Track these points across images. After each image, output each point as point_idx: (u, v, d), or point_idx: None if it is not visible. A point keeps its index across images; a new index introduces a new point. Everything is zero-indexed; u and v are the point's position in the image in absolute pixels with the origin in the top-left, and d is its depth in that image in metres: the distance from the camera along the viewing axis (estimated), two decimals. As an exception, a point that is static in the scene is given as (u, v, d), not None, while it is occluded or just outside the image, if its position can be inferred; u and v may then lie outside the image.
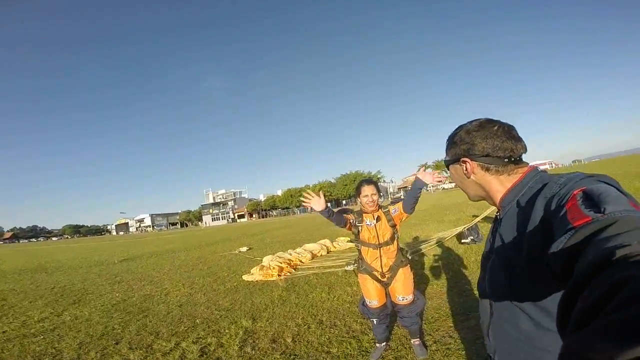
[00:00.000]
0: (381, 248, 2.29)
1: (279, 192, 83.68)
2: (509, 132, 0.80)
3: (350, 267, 6.49)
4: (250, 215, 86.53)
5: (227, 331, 3.56)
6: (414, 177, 2.25)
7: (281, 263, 6.29)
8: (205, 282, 6.39)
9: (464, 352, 2.38)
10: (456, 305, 3.29)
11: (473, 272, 4.34)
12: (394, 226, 2.31)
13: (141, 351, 3.27)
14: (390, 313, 2.50)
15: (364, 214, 2.35)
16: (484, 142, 0.79)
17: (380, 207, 2.37)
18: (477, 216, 7.04)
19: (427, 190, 72.98)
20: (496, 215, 0.85)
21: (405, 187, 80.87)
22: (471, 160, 0.81)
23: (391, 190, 77.82)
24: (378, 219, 2.32)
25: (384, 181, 75.77)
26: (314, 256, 7.37)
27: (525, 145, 0.81)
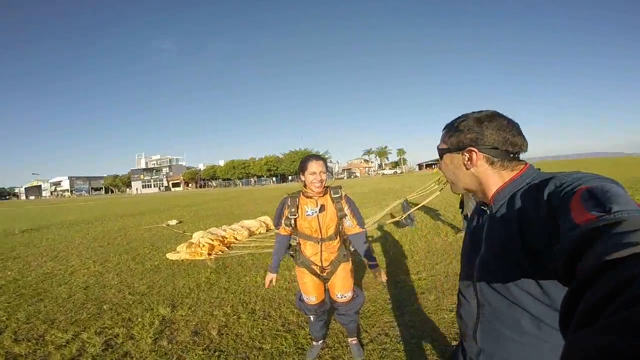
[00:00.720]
0: (323, 243, 2.00)
1: (221, 163, 79.66)
2: (518, 128, 0.78)
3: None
4: (187, 184, 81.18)
5: (140, 320, 3.12)
6: (369, 266, 2.17)
7: (213, 240, 5.82)
8: (121, 259, 5.66)
9: (400, 354, 2.34)
10: (392, 297, 3.29)
11: (406, 261, 4.47)
12: (342, 217, 1.98)
13: (29, 343, 2.72)
14: (329, 309, 2.32)
15: (302, 199, 1.96)
16: (495, 133, 0.76)
17: (327, 188, 2.00)
18: (415, 203, 7.42)
19: (368, 175, 76.84)
20: (485, 209, 0.82)
21: (350, 169, 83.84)
22: (478, 151, 0.77)
23: (336, 170, 79.80)
24: (322, 208, 1.95)
25: (331, 161, 77.14)
26: (251, 234, 6.98)
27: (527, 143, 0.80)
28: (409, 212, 6.34)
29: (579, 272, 0.38)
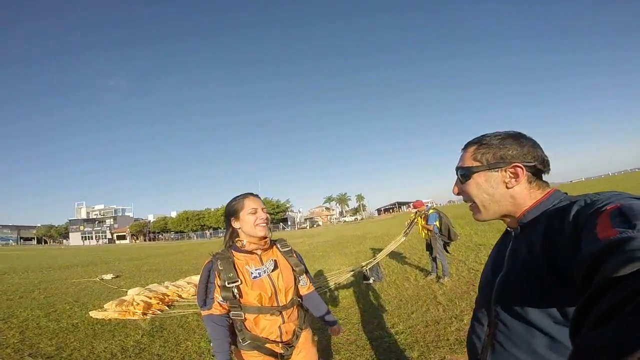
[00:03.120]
0: (284, 311, 1.47)
1: (173, 214, 74.57)
2: (541, 148, 0.78)
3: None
4: (135, 237, 73.86)
5: None
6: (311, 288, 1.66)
7: (150, 298, 4.88)
8: (30, 315, 4.64)
9: None
10: None
11: (379, 313, 4.01)
12: (301, 274, 1.55)
13: None
14: None
15: (238, 258, 1.44)
16: (534, 150, 0.75)
17: (272, 241, 1.55)
18: (377, 249, 7.11)
19: (330, 222, 76.74)
20: (509, 231, 0.81)
21: (312, 218, 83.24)
22: (525, 168, 0.73)
23: (298, 220, 78.57)
24: (275, 264, 1.48)
25: (292, 210, 76.10)
26: (200, 289, 6.06)
27: None
28: (372, 264, 5.95)
29: (595, 282, 0.39)
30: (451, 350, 2.74)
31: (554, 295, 0.63)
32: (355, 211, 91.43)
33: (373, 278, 5.82)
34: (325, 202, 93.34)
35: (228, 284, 1.36)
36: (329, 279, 6.29)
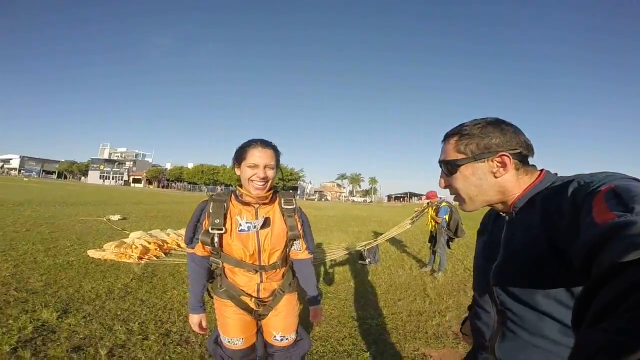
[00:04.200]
0: (263, 272, 1.39)
1: (189, 165, 76.29)
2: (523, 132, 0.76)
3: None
4: (150, 182, 76.65)
5: (10, 323, 2.41)
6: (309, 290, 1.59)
7: (150, 243, 5.00)
8: (30, 249, 4.73)
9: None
10: (346, 337, 2.73)
11: (366, 295, 3.98)
12: (294, 239, 1.41)
13: None
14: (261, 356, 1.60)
15: (234, 206, 1.35)
16: (517, 136, 0.72)
17: (276, 194, 1.42)
18: (378, 233, 7.03)
19: (339, 200, 77.13)
20: (503, 215, 0.77)
21: (322, 191, 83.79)
22: (510, 156, 0.70)
23: (308, 190, 79.26)
24: (266, 222, 1.36)
25: (304, 181, 76.54)
26: (198, 242, 6.19)
27: None
28: (372, 245, 5.87)
29: (594, 271, 0.39)
30: (427, 343, 2.69)
31: (557, 278, 0.62)
32: (366, 193, 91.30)
33: (369, 260, 5.80)
34: (337, 178, 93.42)
35: (211, 229, 1.29)
36: (326, 252, 6.31)
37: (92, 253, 4.66)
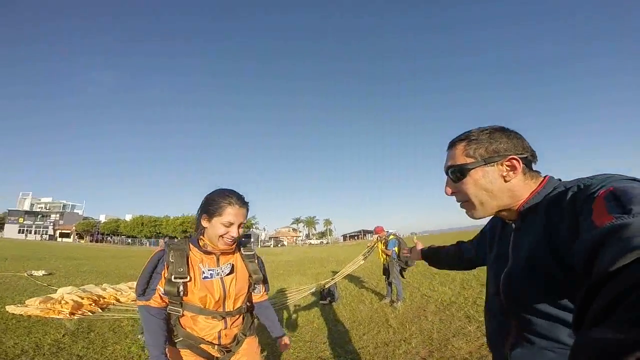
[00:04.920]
0: (228, 318, 1.36)
1: (127, 217, 69.59)
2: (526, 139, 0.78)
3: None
4: (81, 236, 67.61)
5: None
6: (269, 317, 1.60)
7: (83, 298, 4.41)
8: None
9: None
10: None
11: (331, 333, 3.91)
12: (257, 282, 1.45)
13: None
14: None
15: (194, 254, 1.32)
16: (522, 142, 0.75)
17: (239, 245, 1.44)
18: (337, 272, 7.02)
19: (296, 244, 75.40)
20: (510, 223, 0.79)
21: (277, 237, 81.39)
22: (520, 159, 0.72)
23: (262, 237, 76.45)
24: (232, 268, 1.36)
25: (257, 228, 74.09)
26: (142, 294, 5.58)
27: None
28: (330, 284, 5.86)
29: (594, 273, 0.38)
30: (396, 371, 2.70)
31: (563, 283, 0.62)
32: (322, 235, 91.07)
33: (329, 298, 5.73)
34: (292, 223, 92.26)
35: (174, 278, 1.23)
36: (287, 296, 6.09)
37: (11, 309, 4.00)
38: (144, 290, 1.28)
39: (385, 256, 5.52)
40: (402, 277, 5.43)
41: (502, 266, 0.77)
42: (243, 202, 1.31)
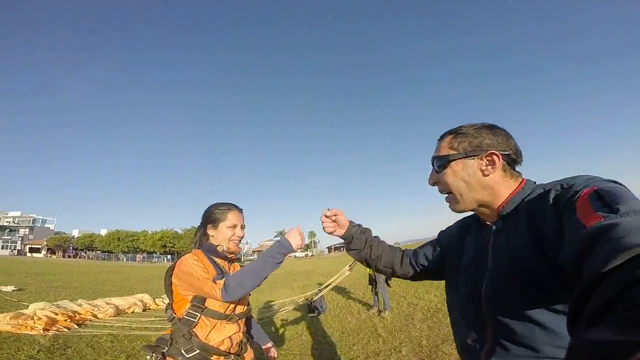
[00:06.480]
0: (240, 321, 1.44)
1: (102, 232, 66.49)
2: (514, 139, 0.79)
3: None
4: (52, 251, 63.94)
5: None
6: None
7: (57, 314, 4.17)
8: None
9: None
10: None
11: (320, 345, 3.87)
12: None
13: None
14: None
15: (219, 262, 1.40)
16: (507, 140, 0.76)
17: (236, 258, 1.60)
18: (322, 284, 6.97)
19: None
20: (487, 225, 0.79)
21: (261, 250, 79.89)
22: (500, 156, 0.73)
23: (245, 251, 74.92)
24: None
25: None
26: (119, 312, 5.39)
27: None
28: (318, 296, 5.82)
29: (586, 273, 0.38)
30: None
31: (547, 285, 0.61)
32: (307, 247, 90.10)
33: (317, 311, 5.68)
34: (276, 236, 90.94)
35: (217, 278, 1.27)
36: (274, 310, 5.98)
37: (-22, 327, 3.67)
38: (219, 275, 1.29)
39: (370, 267, 5.55)
40: (389, 285, 5.48)
41: (480, 269, 0.75)
42: (239, 208, 1.50)
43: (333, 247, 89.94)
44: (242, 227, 1.47)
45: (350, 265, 6.25)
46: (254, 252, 79.11)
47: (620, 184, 0.54)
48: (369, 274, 5.66)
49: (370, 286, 5.74)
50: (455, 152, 0.76)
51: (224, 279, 1.28)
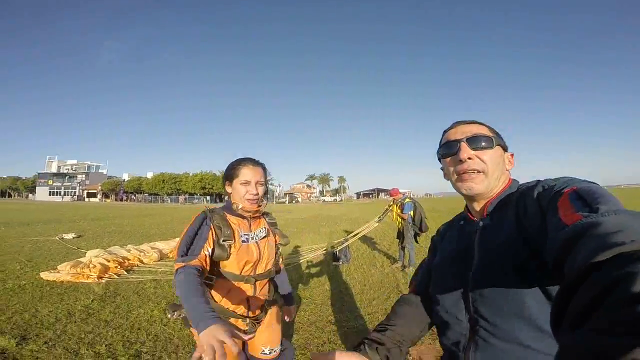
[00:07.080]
0: (258, 282, 1.41)
1: (149, 175, 71.89)
2: None
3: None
4: (106, 195, 71.41)
5: None
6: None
7: (109, 261, 4.69)
8: None
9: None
10: (326, 342, 2.74)
11: (341, 296, 4.02)
12: (279, 248, 1.58)
13: None
14: None
15: (231, 219, 1.37)
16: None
17: (264, 213, 1.55)
18: (349, 232, 7.17)
19: (310, 200, 77.25)
20: (472, 221, 0.81)
21: (292, 193, 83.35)
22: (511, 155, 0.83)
23: (277, 193, 78.45)
24: (267, 232, 1.48)
25: (272, 184, 75.63)
26: (163, 257, 5.90)
27: None
28: (343, 246, 5.96)
29: (568, 271, 0.39)
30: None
31: (534, 278, 0.62)
32: (336, 192, 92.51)
33: (342, 260, 5.87)
34: (307, 179, 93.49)
35: (223, 240, 1.28)
36: (300, 255, 6.31)
37: (45, 275, 4.30)
38: (186, 251, 1.23)
39: (400, 219, 5.48)
40: (416, 242, 5.43)
41: (464, 264, 0.76)
42: (256, 162, 1.42)
43: (362, 193, 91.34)
44: (259, 183, 1.38)
45: (379, 217, 6.28)
46: (285, 194, 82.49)
47: (598, 185, 0.55)
48: (398, 228, 5.63)
49: (397, 240, 5.76)
50: (501, 142, 0.80)
51: (183, 264, 1.17)
